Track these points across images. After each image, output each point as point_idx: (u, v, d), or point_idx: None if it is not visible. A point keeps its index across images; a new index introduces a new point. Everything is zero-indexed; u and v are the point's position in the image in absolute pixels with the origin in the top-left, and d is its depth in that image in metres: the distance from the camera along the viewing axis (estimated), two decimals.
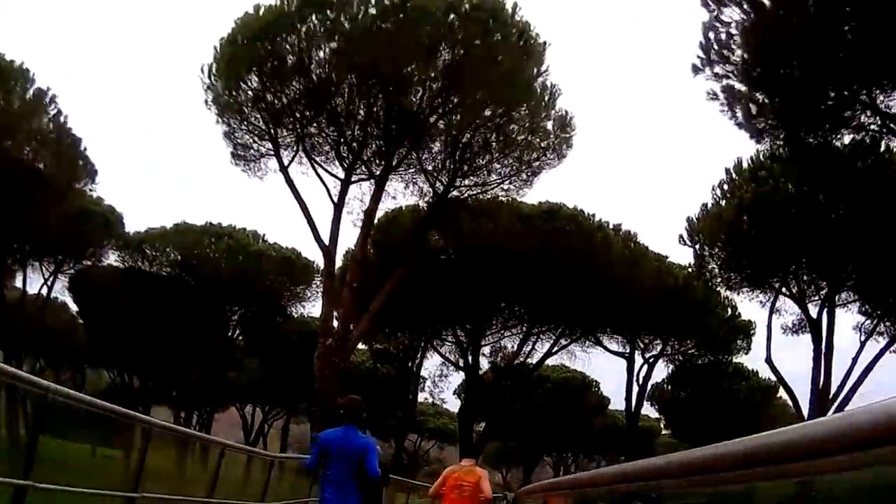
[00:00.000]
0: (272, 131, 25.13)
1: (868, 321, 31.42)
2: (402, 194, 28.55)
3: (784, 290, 30.66)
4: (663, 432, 60.72)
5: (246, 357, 46.00)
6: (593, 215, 32.99)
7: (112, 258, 38.49)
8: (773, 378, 46.13)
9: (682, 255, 40.96)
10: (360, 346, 45.20)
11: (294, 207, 24.65)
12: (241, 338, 44.42)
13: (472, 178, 27.31)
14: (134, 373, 44.14)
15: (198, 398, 41.82)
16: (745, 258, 30.37)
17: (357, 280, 24.56)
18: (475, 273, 32.96)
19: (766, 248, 28.72)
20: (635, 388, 40.58)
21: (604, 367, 62.51)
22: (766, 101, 21.65)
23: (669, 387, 48.00)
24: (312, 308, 42.59)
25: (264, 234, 40.88)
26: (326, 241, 24.80)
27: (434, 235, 30.91)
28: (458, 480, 7.96)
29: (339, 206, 25.22)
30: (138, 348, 37.59)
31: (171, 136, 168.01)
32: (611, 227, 32.78)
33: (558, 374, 51.46)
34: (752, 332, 39.63)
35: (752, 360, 42.77)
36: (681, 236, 32.02)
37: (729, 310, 38.98)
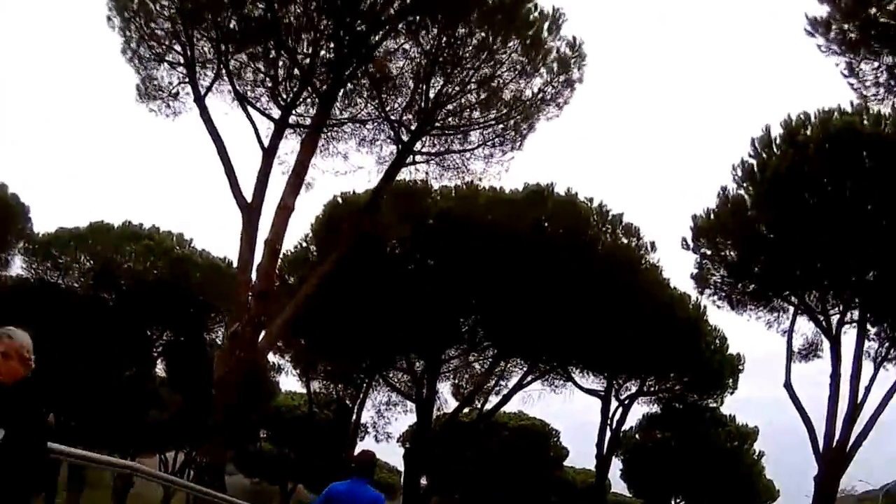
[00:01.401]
0: (186, 35, 19.06)
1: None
2: (357, 154, 22.81)
3: (804, 303, 25.90)
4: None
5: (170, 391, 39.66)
6: (597, 204, 27.79)
7: (17, 264, 32.42)
8: (751, 423, 42.21)
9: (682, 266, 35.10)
10: (297, 388, 38.95)
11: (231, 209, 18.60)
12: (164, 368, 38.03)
13: (444, 135, 21.82)
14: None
15: (118, 440, 34.90)
16: (759, 264, 25.75)
17: (281, 242, 18.27)
18: (438, 275, 27.46)
19: (788, 249, 24.13)
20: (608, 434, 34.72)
21: (560, 412, 56.90)
22: None
23: (638, 435, 42.80)
24: None
25: (192, 240, 34.51)
26: (249, 198, 18.67)
27: (388, 219, 25.36)
28: None
29: (269, 153, 19.16)
30: (48, 382, 30.59)
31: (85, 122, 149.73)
32: (608, 218, 27.38)
33: (516, 422, 45.75)
34: (741, 367, 34.73)
35: (732, 402, 38.07)
36: (684, 239, 27.27)
37: (717, 341, 33.91)
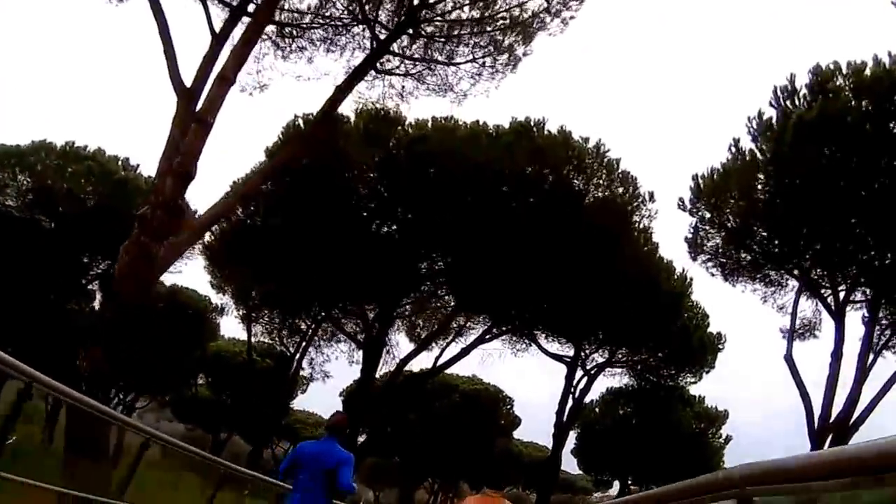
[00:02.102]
0: None
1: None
2: (325, 60, 19.20)
3: (807, 277, 23.21)
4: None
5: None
6: (593, 144, 24.43)
7: None
8: (720, 407, 39.90)
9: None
10: (240, 334, 35.60)
11: None
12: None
13: (428, 42, 18.30)
14: None
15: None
16: (763, 231, 23.01)
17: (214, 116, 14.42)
18: (402, 212, 24.31)
19: (798, 216, 21.45)
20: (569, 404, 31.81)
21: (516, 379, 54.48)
22: None
23: (598, 409, 40.26)
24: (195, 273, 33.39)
25: (138, 165, 30.85)
26: (189, 83, 14.95)
27: (353, 142, 22.01)
28: None
29: (219, 39, 15.53)
30: None
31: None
32: (605, 161, 24.00)
33: (469, 385, 42.93)
34: (721, 346, 32.10)
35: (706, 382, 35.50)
36: (681, 200, 24.43)
37: (699, 317, 31.19)
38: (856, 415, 21.11)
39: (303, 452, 7.22)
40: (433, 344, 28.56)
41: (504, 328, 29.08)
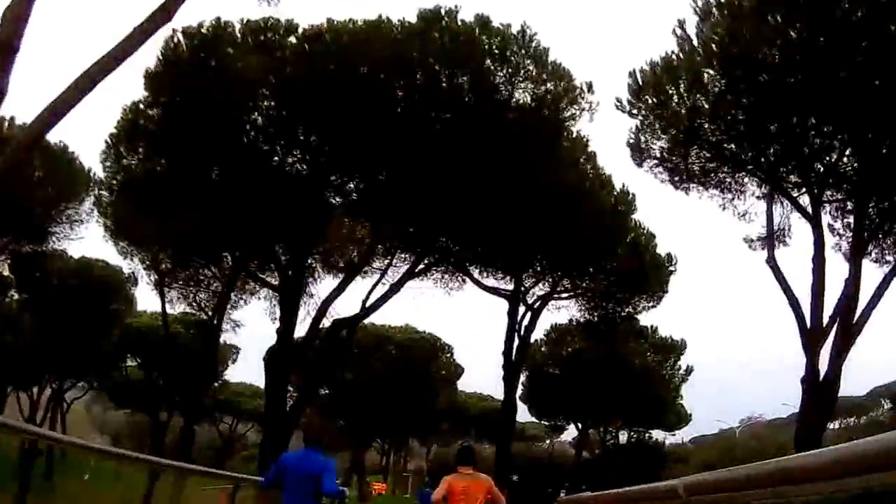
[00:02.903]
0: None
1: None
2: None
3: (774, 178, 20.48)
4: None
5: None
6: (516, 31, 20.68)
7: None
8: (677, 337, 37.44)
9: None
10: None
11: None
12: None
13: None
14: None
15: None
16: (719, 128, 20.18)
17: None
18: (302, 135, 20.89)
19: (761, 105, 18.75)
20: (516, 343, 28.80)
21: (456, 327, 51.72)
22: None
23: (545, 348, 37.57)
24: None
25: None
26: None
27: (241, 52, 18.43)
28: (466, 490, 7.35)
29: None
30: None
31: None
32: (532, 51, 20.42)
33: (404, 335, 39.80)
34: (672, 268, 29.38)
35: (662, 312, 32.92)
36: (618, 101, 21.38)
37: (644, 238, 28.34)
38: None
39: (287, 462, 7.44)
40: (356, 279, 24.90)
41: (432, 260, 25.79)
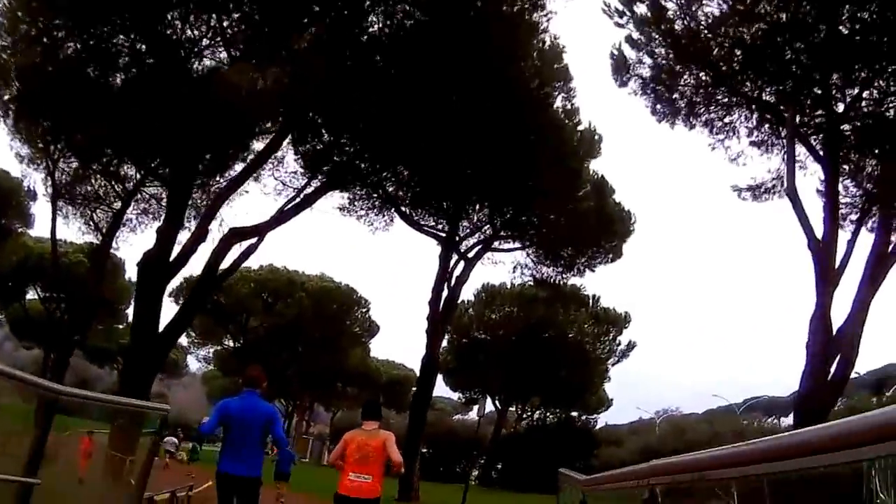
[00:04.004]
0: None
1: None
2: None
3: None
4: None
5: None
6: None
7: None
8: (622, 311, 33.78)
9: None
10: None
11: None
12: None
13: None
14: None
15: None
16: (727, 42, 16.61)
17: None
18: None
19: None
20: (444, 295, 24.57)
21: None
22: None
23: (472, 310, 33.64)
24: None
25: None
26: None
27: None
28: (361, 446, 6.94)
29: None
30: None
31: None
32: None
33: (317, 283, 35.26)
34: (632, 227, 25.48)
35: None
36: (605, 4, 17.56)
37: (604, 186, 24.49)
38: None
39: (228, 409, 6.88)
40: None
41: (349, 178, 21.24)
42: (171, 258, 16.45)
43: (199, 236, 16.87)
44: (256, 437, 6.76)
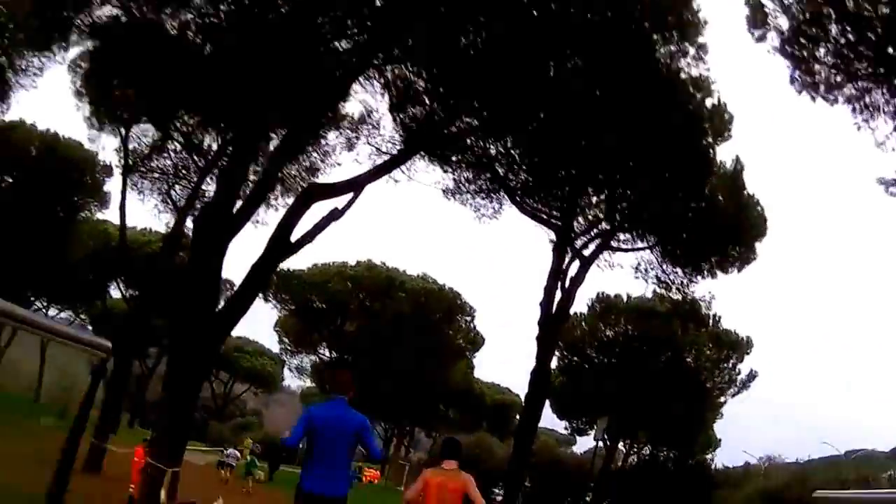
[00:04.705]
0: None
1: None
2: None
3: None
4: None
5: None
6: None
7: None
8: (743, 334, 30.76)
9: None
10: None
11: None
12: None
13: None
14: None
15: None
16: None
17: None
18: None
19: None
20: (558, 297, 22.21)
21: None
22: None
23: (585, 324, 31.34)
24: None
25: None
26: None
27: None
28: (440, 488, 6.98)
29: None
30: None
31: None
32: None
33: (418, 284, 33.74)
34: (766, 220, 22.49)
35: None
36: None
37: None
38: None
39: (317, 418, 6.43)
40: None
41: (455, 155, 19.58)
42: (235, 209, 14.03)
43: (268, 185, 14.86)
44: (345, 450, 6.35)
